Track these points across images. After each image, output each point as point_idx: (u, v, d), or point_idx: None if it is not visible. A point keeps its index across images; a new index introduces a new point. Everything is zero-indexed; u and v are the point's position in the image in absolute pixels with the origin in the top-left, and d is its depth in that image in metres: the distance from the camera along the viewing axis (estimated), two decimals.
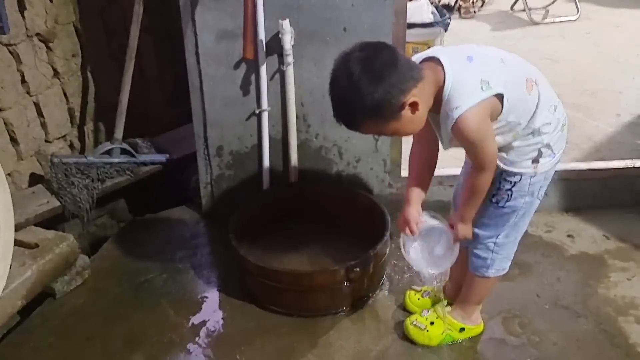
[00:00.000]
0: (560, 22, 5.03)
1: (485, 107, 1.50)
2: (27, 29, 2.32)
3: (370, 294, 2.14)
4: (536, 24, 5.02)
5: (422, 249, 1.77)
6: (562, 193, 2.58)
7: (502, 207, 1.70)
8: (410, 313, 2.03)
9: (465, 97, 1.49)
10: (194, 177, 2.64)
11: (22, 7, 2.29)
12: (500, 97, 1.51)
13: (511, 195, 1.68)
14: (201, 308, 2.15)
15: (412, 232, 1.74)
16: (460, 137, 1.52)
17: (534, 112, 1.59)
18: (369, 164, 2.50)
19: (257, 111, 2.35)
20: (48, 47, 2.45)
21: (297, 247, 2.33)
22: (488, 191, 1.67)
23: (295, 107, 2.35)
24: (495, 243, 1.78)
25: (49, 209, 2.30)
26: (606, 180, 2.62)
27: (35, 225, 2.24)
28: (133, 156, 2.59)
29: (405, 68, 1.47)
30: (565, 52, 4.30)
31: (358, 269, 2.00)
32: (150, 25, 2.83)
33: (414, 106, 1.48)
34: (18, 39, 2.28)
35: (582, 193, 2.60)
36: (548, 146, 1.64)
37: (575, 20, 5.03)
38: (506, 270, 1.87)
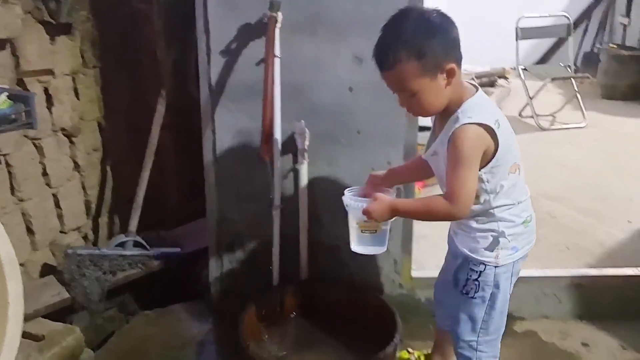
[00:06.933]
0: (568, 128, 5.14)
1: (487, 137, 1.54)
2: (53, 124, 2.42)
3: None
4: (544, 130, 5.14)
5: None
6: (575, 299, 2.55)
7: (473, 297, 1.73)
8: None
9: (481, 115, 1.54)
10: (204, 272, 2.64)
11: (50, 104, 2.40)
12: (495, 146, 1.55)
13: (479, 285, 1.71)
14: None
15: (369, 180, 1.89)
16: (454, 145, 1.53)
17: (500, 192, 1.63)
18: (380, 263, 2.49)
19: (270, 208, 2.39)
20: (71, 142, 2.55)
21: (306, 347, 2.29)
22: (459, 284, 1.73)
23: (307, 205, 2.39)
24: (477, 341, 1.78)
25: (58, 300, 2.29)
26: (621, 288, 2.58)
27: (44, 316, 2.23)
28: (146, 249, 2.61)
29: (457, 41, 1.55)
30: (574, 158, 4.37)
31: None
32: (171, 122, 2.94)
33: (450, 75, 1.53)
34: (44, 134, 2.37)
35: (596, 300, 2.56)
36: (503, 235, 1.66)
37: (582, 127, 5.14)
38: None
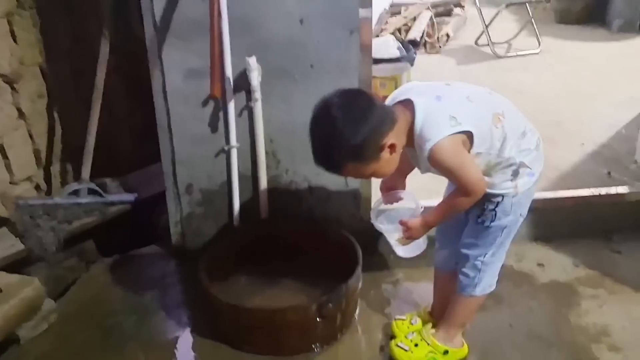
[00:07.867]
0: (523, 55, 5.16)
1: (456, 139, 1.58)
2: None
3: (343, 330, 2.11)
4: (500, 57, 5.14)
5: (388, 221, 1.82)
6: (530, 222, 2.61)
7: (488, 226, 1.77)
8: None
9: (435, 131, 1.56)
10: (163, 216, 2.61)
11: None
12: (468, 133, 1.59)
13: (495, 215, 1.75)
14: (172, 351, 2.10)
15: (381, 189, 1.84)
16: (438, 167, 1.60)
17: (502, 143, 1.66)
18: (340, 198, 2.50)
19: (226, 148, 2.35)
20: (13, 89, 2.43)
21: (269, 284, 2.31)
22: (474, 213, 1.77)
23: (264, 143, 2.35)
24: (482, 262, 1.83)
25: (13, 252, 2.24)
26: (574, 209, 2.66)
27: (0, 269, 2.18)
28: (101, 196, 2.56)
29: (381, 112, 1.56)
30: (529, 84, 4.40)
31: (331, 305, 1.98)
32: (119, 65, 2.83)
33: (392, 148, 1.58)
34: None
35: (551, 222, 2.64)
36: (523, 165, 1.70)
37: (537, 53, 5.16)
38: (493, 287, 1.91)
